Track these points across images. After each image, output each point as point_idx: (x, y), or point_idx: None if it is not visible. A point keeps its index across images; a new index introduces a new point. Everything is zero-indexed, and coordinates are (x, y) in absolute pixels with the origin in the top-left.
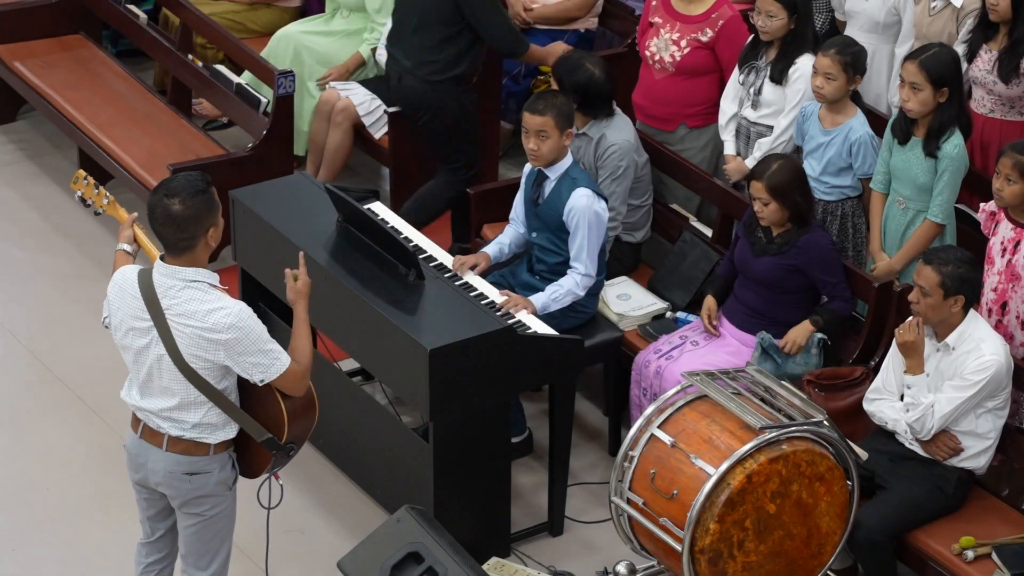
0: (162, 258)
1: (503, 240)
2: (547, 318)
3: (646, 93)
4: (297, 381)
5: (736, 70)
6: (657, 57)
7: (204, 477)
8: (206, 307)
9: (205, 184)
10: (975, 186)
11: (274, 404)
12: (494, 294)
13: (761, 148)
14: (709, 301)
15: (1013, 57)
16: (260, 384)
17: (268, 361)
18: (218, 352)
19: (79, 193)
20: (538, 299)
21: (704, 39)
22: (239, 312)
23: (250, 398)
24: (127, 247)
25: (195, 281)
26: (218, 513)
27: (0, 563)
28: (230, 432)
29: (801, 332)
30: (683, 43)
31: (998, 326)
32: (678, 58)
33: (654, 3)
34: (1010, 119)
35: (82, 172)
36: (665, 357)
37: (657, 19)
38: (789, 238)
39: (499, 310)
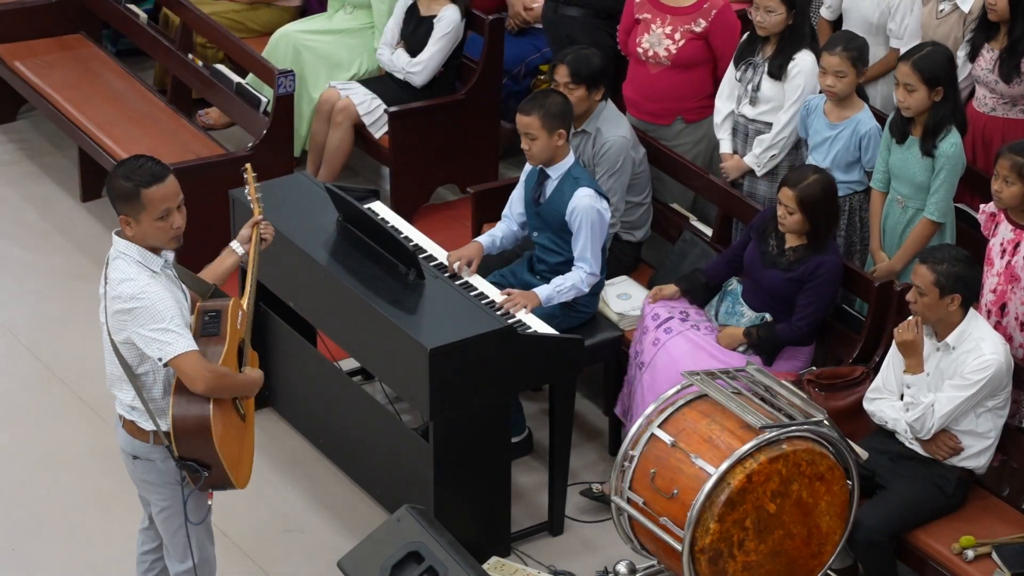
0: (116, 231)
1: (495, 233)
2: (547, 318)
3: (640, 89)
4: (193, 370)
5: (732, 67)
6: (651, 52)
7: (146, 464)
8: (120, 276)
9: (133, 179)
10: (976, 186)
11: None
12: (494, 293)
13: (761, 145)
14: (670, 289)
15: (1013, 56)
16: (161, 363)
17: (167, 339)
18: (126, 324)
19: (246, 184)
20: (542, 291)
21: (698, 29)
22: (145, 285)
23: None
24: (237, 246)
25: (124, 254)
26: (171, 506)
27: (0, 563)
28: (163, 425)
29: (731, 337)
30: (677, 36)
31: (997, 327)
32: (674, 51)
33: (638, 0)
34: (1012, 117)
35: (248, 165)
36: (663, 328)
37: (645, 15)
38: (801, 256)
39: (499, 309)
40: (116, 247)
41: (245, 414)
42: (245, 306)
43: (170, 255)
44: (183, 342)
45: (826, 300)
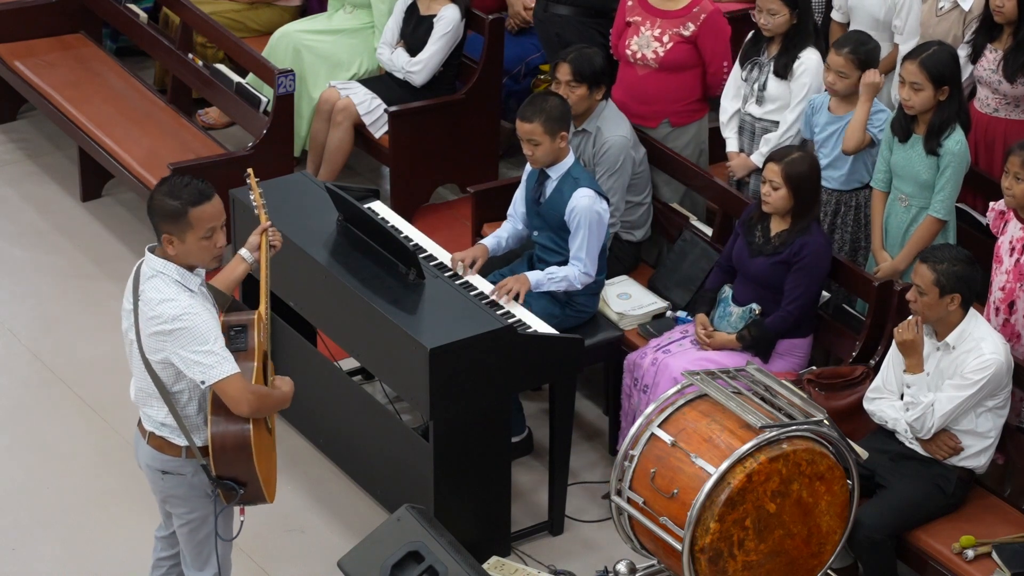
0: (150, 248)
1: (501, 234)
2: (547, 318)
3: (628, 91)
4: (238, 393)
5: (737, 66)
6: (639, 55)
7: (177, 478)
8: (159, 296)
9: (180, 197)
10: (977, 185)
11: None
12: None
13: (768, 143)
14: (702, 319)
15: (1018, 56)
16: (203, 386)
17: (211, 361)
18: (165, 344)
19: (251, 191)
20: (533, 275)
21: (686, 33)
22: (188, 307)
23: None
24: (246, 254)
25: (161, 272)
26: (198, 518)
27: (0, 563)
28: (198, 440)
29: (724, 342)
30: (665, 39)
31: (1005, 325)
32: (661, 54)
33: (630, 3)
34: (1014, 118)
35: (251, 170)
36: (663, 351)
37: (636, 17)
38: (786, 239)
39: (497, 307)
40: (152, 265)
41: (271, 427)
42: (264, 316)
43: (202, 272)
44: (228, 365)
45: (814, 282)
